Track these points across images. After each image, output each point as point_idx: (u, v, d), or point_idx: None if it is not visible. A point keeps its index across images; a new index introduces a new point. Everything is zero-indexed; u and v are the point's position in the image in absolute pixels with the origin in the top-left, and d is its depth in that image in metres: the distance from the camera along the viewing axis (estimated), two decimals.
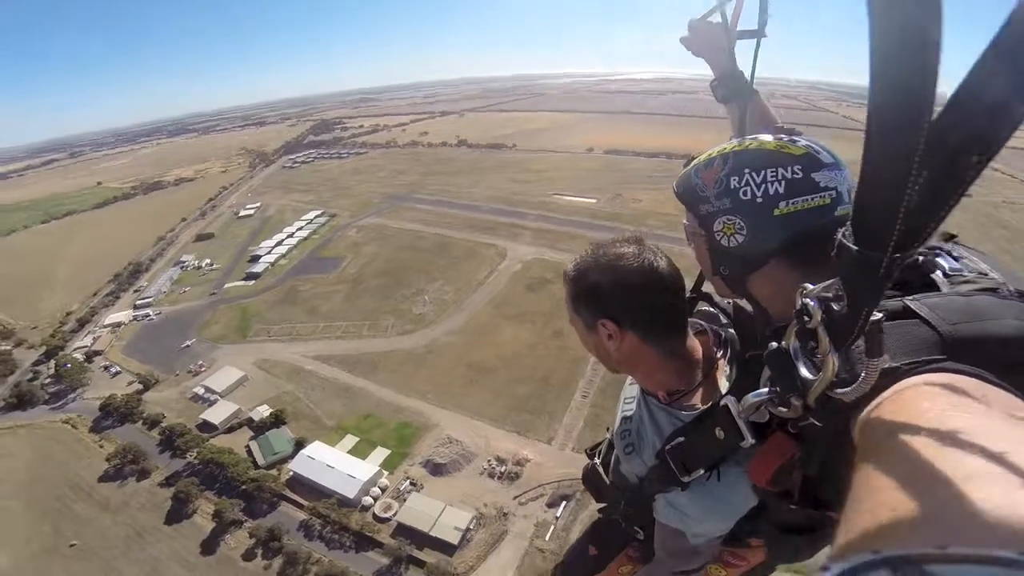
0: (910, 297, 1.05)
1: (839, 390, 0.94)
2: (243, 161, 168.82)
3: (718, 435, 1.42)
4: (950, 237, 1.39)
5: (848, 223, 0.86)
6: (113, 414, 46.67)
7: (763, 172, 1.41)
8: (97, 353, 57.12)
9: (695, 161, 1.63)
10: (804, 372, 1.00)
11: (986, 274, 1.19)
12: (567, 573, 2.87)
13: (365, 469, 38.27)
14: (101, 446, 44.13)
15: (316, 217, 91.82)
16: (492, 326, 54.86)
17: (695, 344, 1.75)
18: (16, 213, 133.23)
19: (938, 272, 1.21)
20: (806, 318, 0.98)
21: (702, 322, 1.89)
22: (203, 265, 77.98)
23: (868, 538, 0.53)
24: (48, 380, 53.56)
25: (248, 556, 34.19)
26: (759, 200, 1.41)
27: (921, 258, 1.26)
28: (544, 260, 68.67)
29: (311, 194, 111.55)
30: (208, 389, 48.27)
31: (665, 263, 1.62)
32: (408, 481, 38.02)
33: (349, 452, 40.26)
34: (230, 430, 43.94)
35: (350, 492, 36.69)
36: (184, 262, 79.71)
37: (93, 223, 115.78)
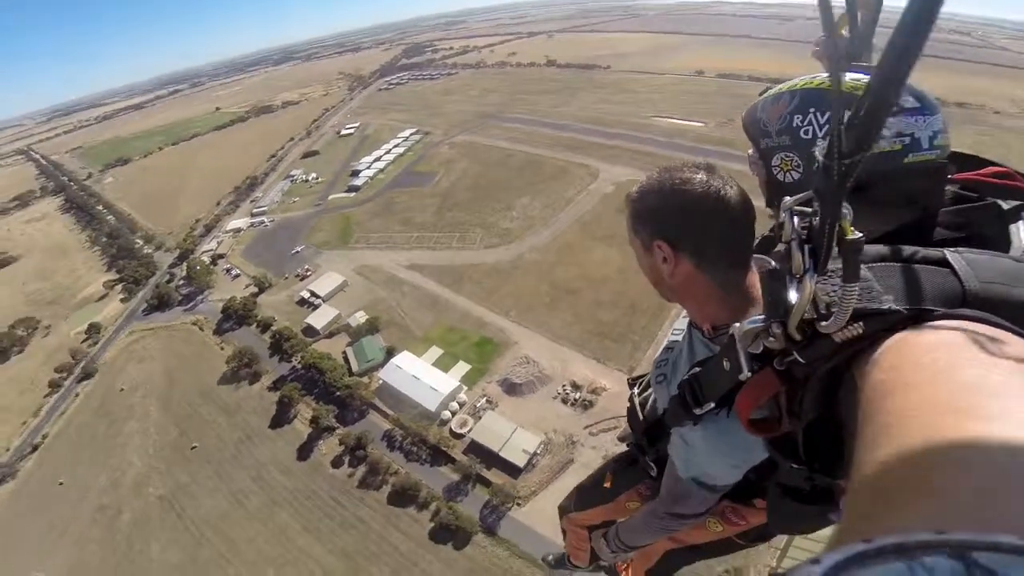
0: (954, 248, 0.97)
1: (822, 323, 0.89)
2: (343, 84, 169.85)
3: (725, 366, 1.29)
4: None
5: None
6: (233, 316, 49.59)
7: (827, 113, 1.34)
8: (221, 256, 61.42)
9: (765, 94, 1.56)
10: (792, 296, 0.94)
11: None
12: (580, 497, 2.90)
13: (447, 382, 38.03)
14: (222, 348, 46.95)
15: (411, 135, 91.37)
16: (579, 246, 52.41)
17: (754, 279, 1.55)
18: (152, 137, 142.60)
19: (1019, 230, 1.13)
20: (782, 232, 0.95)
21: (773, 260, 1.50)
22: (310, 179, 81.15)
23: (864, 520, 0.49)
24: (181, 282, 58.38)
25: (336, 463, 35.36)
26: (820, 139, 1.36)
27: (1005, 209, 1.18)
28: (638, 181, 64.75)
29: (406, 113, 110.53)
30: (313, 293, 49.93)
31: (735, 192, 1.48)
32: (484, 399, 37.49)
33: (433, 364, 40.15)
34: (330, 335, 45.37)
35: (431, 405, 36.54)
36: (293, 176, 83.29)
37: (215, 143, 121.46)
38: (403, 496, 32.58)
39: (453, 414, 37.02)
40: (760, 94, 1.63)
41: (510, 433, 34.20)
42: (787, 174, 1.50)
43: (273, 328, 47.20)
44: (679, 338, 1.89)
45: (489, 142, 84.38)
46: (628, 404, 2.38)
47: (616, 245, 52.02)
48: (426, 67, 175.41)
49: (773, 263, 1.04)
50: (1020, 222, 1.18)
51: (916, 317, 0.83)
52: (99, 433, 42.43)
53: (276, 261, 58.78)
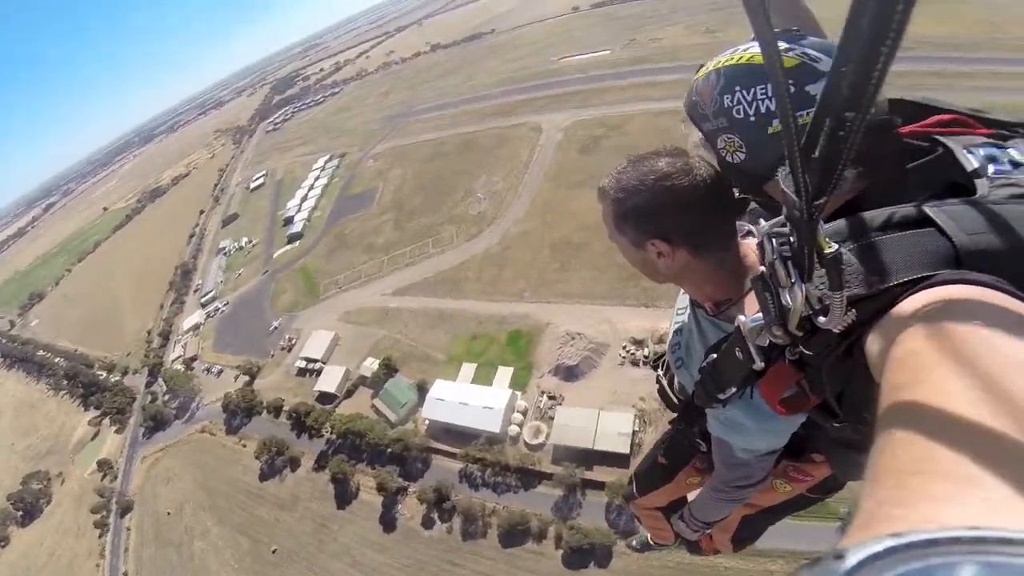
0: (930, 203, 0.98)
1: (820, 319, 0.91)
2: (225, 141, 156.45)
3: (738, 355, 1.28)
4: (1018, 125, 1.24)
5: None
6: (237, 411, 44.10)
7: (752, 89, 1.33)
8: (193, 359, 54.85)
9: (696, 75, 1.52)
10: (785, 300, 0.97)
11: None
12: (640, 482, 2.79)
13: (498, 396, 32.91)
14: (244, 445, 41.80)
15: (327, 163, 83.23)
16: (560, 200, 47.67)
17: (745, 249, 1.52)
18: (54, 261, 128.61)
19: (978, 172, 1.09)
20: (763, 255, 0.98)
21: (751, 226, 1.44)
22: (244, 245, 72.66)
23: (894, 506, 0.44)
24: (167, 397, 52.49)
25: (427, 523, 30.56)
26: (752, 119, 1.34)
27: (968, 154, 1.15)
28: (584, 120, 59.28)
29: (309, 144, 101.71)
30: (309, 360, 43.71)
31: (712, 172, 1.43)
32: (545, 396, 32.49)
33: (473, 383, 34.95)
34: (348, 394, 39.72)
35: (494, 426, 31.48)
36: (224, 248, 74.43)
37: (123, 245, 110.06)
38: (514, 534, 27.68)
39: (520, 426, 31.92)
40: (695, 73, 1.55)
41: (594, 422, 29.28)
42: (733, 155, 1.43)
43: (286, 408, 41.16)
44: (684, 317, 1.81)
45: (413, 139, 77.71)
46: (657, 386, 2.27)
47: (596, 184, 47.66)
48: (305, 95, 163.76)
49: (762, 269, 1.03)
50: (972, 158, 1.13)
51: (912, 285, 0.82)
52: (174, 561, 38.29)
53: (252, 342, 51.60)
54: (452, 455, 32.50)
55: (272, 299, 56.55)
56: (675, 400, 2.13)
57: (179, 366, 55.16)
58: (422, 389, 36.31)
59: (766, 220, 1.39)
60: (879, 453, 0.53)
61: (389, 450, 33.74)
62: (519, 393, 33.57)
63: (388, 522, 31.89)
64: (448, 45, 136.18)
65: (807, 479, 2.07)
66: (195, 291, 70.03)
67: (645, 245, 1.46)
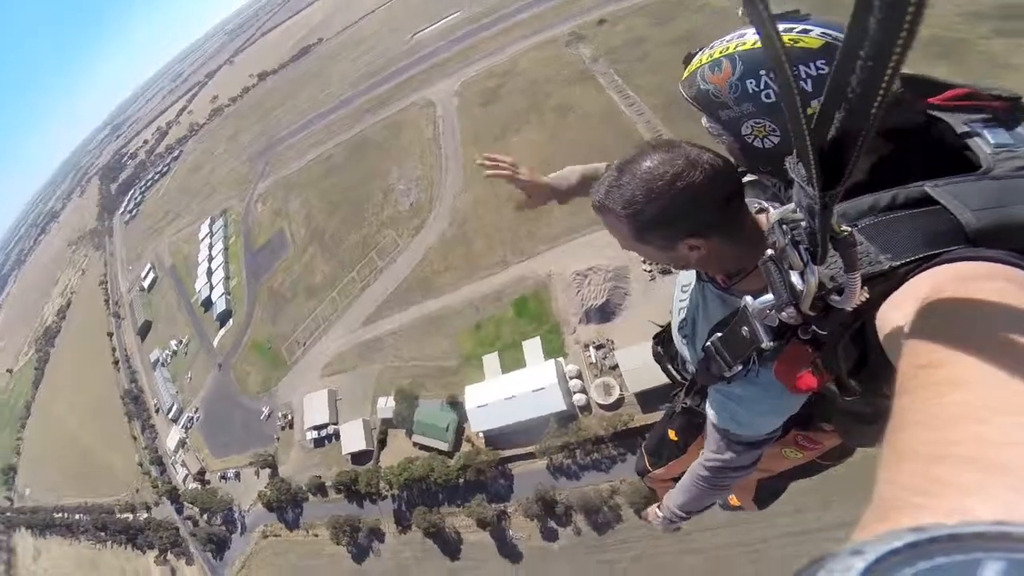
0: (932, 182, 0.98)
1: (834, 298, 0.91)
2: (85, 251, 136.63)
3: (744, 334, 1.28)
4: (1017, 98, 1.24)
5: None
6: (283, 506, 38.75)
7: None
8: (202, 473, 48.08)
9: (696, 62, 1.50)
10: (795, 281, 0.96)
11: None
12: (651, 457, 2.73)
13: (542, 372, 28.65)
14: (316, 535, 36.67)
15: (212, 226, 73.06)
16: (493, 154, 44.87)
17: (756, 221, 1.47)
18: None
19: (982, 146, 1.10)
20: (775, 242, 0.97)
21: (758, 201, 1.55)
22: (177, 348, 63.03)
23: (915, 494, 0.40)
24: (204, 519, 45.99)
25: (549, 535, 26.67)
26: None
27: (970, 128, 1.16)
28: (472, 78, 54.87)
29: (180, 217, 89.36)
30: (317, 428, 37.92)
31: (711, 154, 1.34)
32: (591, 348, 28.57)
33: (505, 372, 30.53)
34: (382, 443, 34.46)
35: (556, 405, 27.25)
36: (159, 360, 64.57)
37: (55, 396, 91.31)
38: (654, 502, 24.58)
39: (584, 392, 27.96)
40: (684, 62, 1.52)
41: None
42: (764, 139, 1.43)
43: (329, 485, 35.76)
44: (690, 292, 1.73)
45: (295, 165, 69.47)
46: (657, 360, 2.29)
47: (518, 125, 45.00)
48: (144, 171, 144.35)
49: (770, 252, 1.02)
50: (977, 137, 1.14)
51: (924, 263, 0.83)
52: None
53: (249, 435, 44.31)
54: (530, 455, 28.25)
55: (240, 386, 48.45)
56: (677, 375, 2.10)
57: (194, 484, 48.38)
58: (455, 404, 31.43)
59: (764, 191, 1.54)
60: (899, 432, 0.50)
61: (461, 481, 29.08)
62: (561, 360, 29.44)
63: (510, 553, 27.89)
64: (278, 69, 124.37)
65: (817, 447, 2.00)
66: (157, 411, 61.05)
67: (676, 247, 1.37)
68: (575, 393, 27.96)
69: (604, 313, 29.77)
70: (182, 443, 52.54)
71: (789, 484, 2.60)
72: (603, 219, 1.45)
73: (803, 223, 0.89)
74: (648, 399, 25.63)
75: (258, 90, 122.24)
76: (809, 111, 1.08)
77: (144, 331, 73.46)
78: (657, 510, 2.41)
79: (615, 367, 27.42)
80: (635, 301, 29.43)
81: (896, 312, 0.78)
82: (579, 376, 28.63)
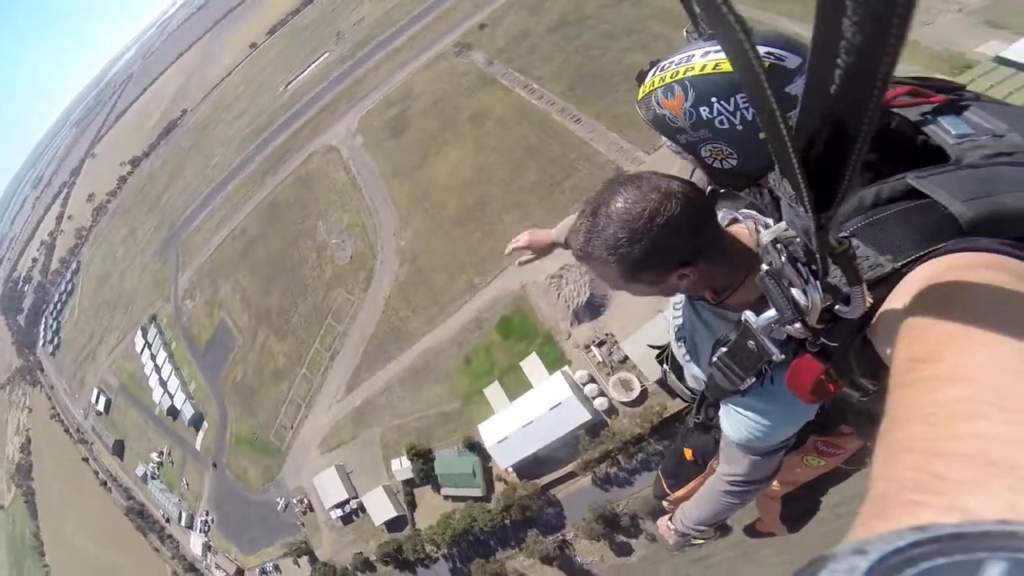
0: (914, 174, 0.98)
1: (840, 308, 0.88)
2: (21, 390, 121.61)
3: (751, 347, 1.24)
4: (959, 88, 1.27)
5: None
6: None
7: (732, 99, 1.32)
8: (240, 573, 44.94)
9: (649, 84, 1.48)
10: (797, 296, 0.94)
11: (1002, 136, 1.07)
12: (671, 479, 2.64)
13: (552, 388, 27.64)
14: None
15: (147, 338, 67.61)
16: (421, 183, 42.47)
17: (733, 236, 1.46)
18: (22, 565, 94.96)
19: (944, 137, 1.10)
20: (770, 261, 0.95)
21: (730, 213, 1.56)
22: (160, 460, 58.86)
23: (917, 491, 0.38)
24: None
25: (621, 550, 25.82)
26: (739, 128, 1.34)
27: (925, 120, 1.17)
28: (370, 111, 53.30)
29: (109, 335, 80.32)
30: (339, 505, 35.94)
31: (679, 181, 1.35)
32: (593, 347, 27.78)
33: (512, 399, 29.41)
34: (411, 505, 33.01)
35: (580, 416, 26.28)
36: (146, 475, 60.32)
37: (56, 525, 79.81)
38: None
39: (606, 396, 27.14)
40: (637, 78, 1.51)
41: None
42: (723, 161, 1.44)
43: (373, 558, 33.90)
44: (681, 311, 1.77)
45: (209, 249, 65.03)
46: (665, 379, 2.28)
47: (441, 146, 43.74)
48: (47, 295, 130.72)
49: (765, 267, 1.00)
50: (934, 127, 1.15)
51: (924, 259, 0.82)
52: None
53: (271, 527, 41.80)
54: (571, 475, 27.54)
55: (243, 483, 45.13)
56: (688, 393, 2.05)
57: None
58: (474, 446, 30.34)
59: (732, 204, 1.53)
60: (895, 429, 0.48)
61: (507, 522, 28.05)
62: (567, 369, 28.76)
63: None
64: (149, 150, 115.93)
65: (839, 452, 1.98)
66: (167, 521, 57.18)
67: (667, 280, 1.38)
68: (594, 398, 27.25)
69: (592, 308, 29.41)
70: (207, 547, 49.51)
71: (821, 499, 2.51)
72: (589, 267, 1.41)
73: (797, 240, 0.85)
74: (676, 383, 25.68)
75: (136, 178, 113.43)
76: (762, 135, 1.08)
77: (119, 450, 68.25)
78: (669, 523, 2.29)
79: (625, 360, 26.98)
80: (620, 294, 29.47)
81: (890, 307, 0.78)
82: (592, 380, 27.93)
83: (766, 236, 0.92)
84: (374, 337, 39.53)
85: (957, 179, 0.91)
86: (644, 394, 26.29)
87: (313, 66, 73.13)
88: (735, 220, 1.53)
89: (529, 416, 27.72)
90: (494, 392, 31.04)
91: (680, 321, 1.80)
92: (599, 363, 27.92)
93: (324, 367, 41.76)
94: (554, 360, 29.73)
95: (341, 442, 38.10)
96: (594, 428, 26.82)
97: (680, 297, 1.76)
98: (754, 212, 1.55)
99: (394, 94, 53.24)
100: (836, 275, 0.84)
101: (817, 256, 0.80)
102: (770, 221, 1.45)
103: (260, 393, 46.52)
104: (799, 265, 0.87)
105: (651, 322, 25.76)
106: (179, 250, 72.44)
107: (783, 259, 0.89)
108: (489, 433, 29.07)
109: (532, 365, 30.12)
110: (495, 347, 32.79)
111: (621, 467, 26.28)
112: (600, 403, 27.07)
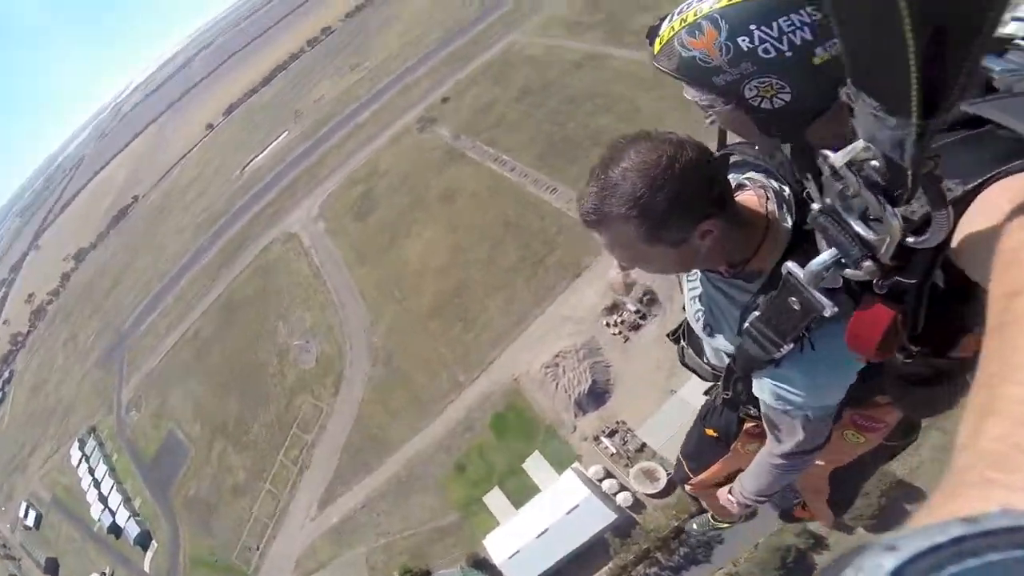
0: (970, 101, 0.94)
1: (914, 239, 0.82)
2: None
3: (793, 306, 1.16)
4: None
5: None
6: None
7: (775, 24, 1.18)
8: None
9: (668, 30, 1.31)
10: (861, 231, 0.88)
11: None
12: (692, 461, 2.62)
13: (565, 489, 24.69)
14: None
15: (84, 451, 60.15)
16: (392, 269, 39.83)
17: (745, 202, 1.41)
18: None
19: (989, 71, 1.06)
20: (844, 188, 0.88)
21: (745, 180, 1.49)
22: None
23: (990, 468, 0.32)
24: None
25: None
26: (789, 54, 1.19)
27: None
28: (332, 193, 51.44)
29: (41, 446, 70.61)
30: None
31: (687, 136, 1.29)
32: (604, 437, 25.23)
33: (519, 507, 26.11)
34: None
35: (603, 518, 23.40)
36: None
37: None
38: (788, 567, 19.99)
39: (626, 488, 24.28)
40: (648, 37, 1.37)
41: (687, 405, 21.34)
42: (773, 99, 1.26)
43: None
44: (697, 283, 1.67)
45: (160, 355, 58.85)
46: (681, 357, 2.15)
47: (411, 226, 41.35)
48: None
49: (818, 206, 0.95)
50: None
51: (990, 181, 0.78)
52: None
53: None
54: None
55: None
56: (709, 369, 1.97)
57: None
58: (480, 564, 26.01)
59: (736, 169, 1.47)
60: (985, 381, 0.41)
61: None
62: (578, 465, 25.54)
63: None
64: (96, 242, 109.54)
65: (879, 425, 1.91)
66: None
67: (691, 235, 1.30)
68: (616, 494, 24.10)
69: (596, 396, 26.61)
70: None
71: (865, 479, 2.42)
72: (601, 233, 1.33)
73: (874, 162, 0.78)
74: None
75: (80, 273, 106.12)
76: (816, 60, 1.08)
77: (52, 568, 58.29)
78: (729, 495, 2.21)
79: (643, 447, 24.21)
80: (621, 369, 26.59)
81: (974, 229, 0.71)
82: (609, 475, 24.84)
83: (839, 158, 0.82)
84: (348, 447, 34.90)
85: (1012, 104, 0.84)
86: (672, 483, 23.09)
87: (272, 146, 71.15)
88: (740, 187, 1.43)
89: (543, 524, 24.41)
90: (496, 499, 27.31)
91: (696, 294, 1.68)
92: (613, 455, 24.97)
93: (291, 482, 36.43)
94: (561, 457, 26.50)
95: (320, 564, 32.51)
96: (622, 528, 23.47)
97: (694, 278, 1.67)
98: (762, 176, 1.43)
99: (358, 172, 51.20)
100: (918, 201, 0.79)
101: (908, 173, 0.72)
102: (783, 185, 1.41)
103: (218, 510, 40.33)
104: (875, 191, 0.80)
105: (667, 404, 23.22)
106: (124, 357, 65.86)
107: (859, 185, 0.81)
108: (498, 547, 25.30)
109: (536, 465, 26.86)
110: (490, 449, 29.05)
111: (663, 566, 22.63)
112: (623, 499, 24.00)
